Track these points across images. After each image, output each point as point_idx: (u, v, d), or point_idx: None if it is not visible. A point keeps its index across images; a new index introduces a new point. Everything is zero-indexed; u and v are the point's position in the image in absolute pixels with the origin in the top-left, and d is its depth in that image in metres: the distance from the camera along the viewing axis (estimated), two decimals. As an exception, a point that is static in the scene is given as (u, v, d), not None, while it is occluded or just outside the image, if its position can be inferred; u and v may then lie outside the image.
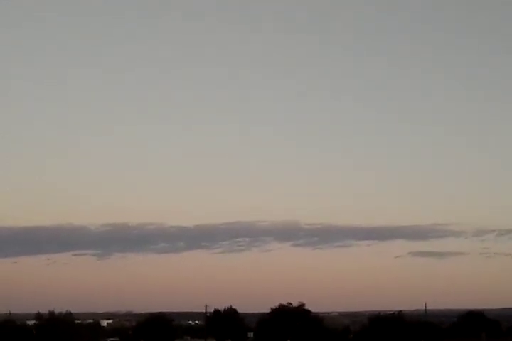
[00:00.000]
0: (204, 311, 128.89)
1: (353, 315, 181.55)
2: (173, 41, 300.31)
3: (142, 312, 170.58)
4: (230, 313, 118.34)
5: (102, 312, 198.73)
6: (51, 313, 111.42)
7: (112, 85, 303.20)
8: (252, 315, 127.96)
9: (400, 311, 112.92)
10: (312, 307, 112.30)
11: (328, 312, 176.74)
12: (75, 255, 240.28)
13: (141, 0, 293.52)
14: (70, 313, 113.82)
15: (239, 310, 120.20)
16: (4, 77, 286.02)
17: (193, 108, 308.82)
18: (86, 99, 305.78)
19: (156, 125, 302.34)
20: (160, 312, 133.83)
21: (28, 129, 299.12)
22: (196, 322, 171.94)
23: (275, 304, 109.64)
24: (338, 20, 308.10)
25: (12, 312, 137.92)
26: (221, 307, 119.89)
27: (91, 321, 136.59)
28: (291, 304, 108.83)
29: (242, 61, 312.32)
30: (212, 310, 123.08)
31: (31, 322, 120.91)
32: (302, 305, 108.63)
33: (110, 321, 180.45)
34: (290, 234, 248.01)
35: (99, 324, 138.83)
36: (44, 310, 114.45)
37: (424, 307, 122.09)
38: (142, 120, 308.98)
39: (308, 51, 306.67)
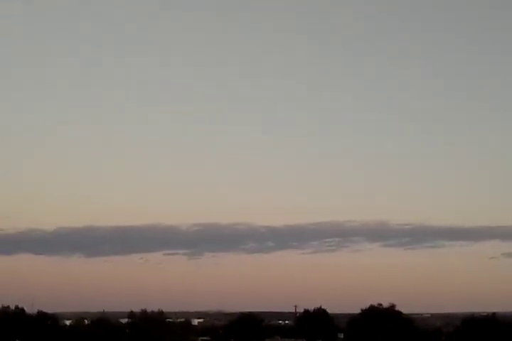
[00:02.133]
0: (294, 311, 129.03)
1: (446, 317, 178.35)
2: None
3: (233, 311, 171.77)
4: (320, 313, 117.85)
5: (193, 311, 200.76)
6: (143, 312, 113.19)
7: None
8: (342, 315, 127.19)
9: (494, 313, 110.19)
10: (403, 308, 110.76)
11: (420, 314, 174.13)
12: (166, 254, 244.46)
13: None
14: (162, 312, 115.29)
15: (329, 311, 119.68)
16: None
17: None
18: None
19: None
20: (250, 312, 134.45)
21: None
22: (286, 322, 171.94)
23: (365, 305, 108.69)
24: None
25: (106, 310, 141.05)
26: (311, 307, 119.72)
27: (182, 320, 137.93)
28: (381, 305, 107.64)
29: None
30: (302, 310, 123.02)
31: (124, 321, 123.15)
32: (393, 306, 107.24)
33: (201, 320, 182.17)
34: (380, 234, 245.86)
35: (190, 323, 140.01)
36: (137, 308, 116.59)
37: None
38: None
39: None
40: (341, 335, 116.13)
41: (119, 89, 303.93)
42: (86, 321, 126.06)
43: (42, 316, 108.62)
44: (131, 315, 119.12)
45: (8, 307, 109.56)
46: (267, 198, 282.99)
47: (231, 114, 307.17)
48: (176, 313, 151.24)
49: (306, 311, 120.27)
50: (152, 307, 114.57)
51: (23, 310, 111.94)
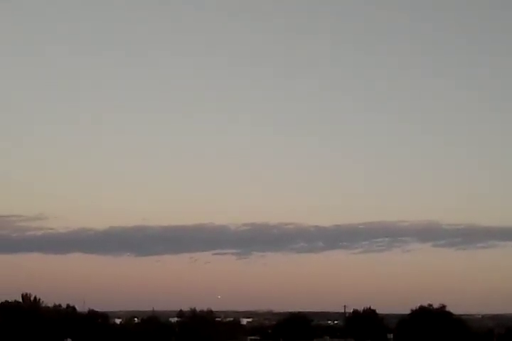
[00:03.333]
0: (343, 311, 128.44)
1: (497, 318, 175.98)
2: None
3: (282, 311, 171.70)
4: (370, 314, 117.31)
5: (242, 310, 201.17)
6: (193, 311, 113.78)
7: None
8: (392, 316, 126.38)
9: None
10: (454, 309, 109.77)
11: (471, 315, 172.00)
12: (215, 254, 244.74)
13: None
14: (211, 311, 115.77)
15: (378, 311, 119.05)
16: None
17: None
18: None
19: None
20: (299, 312, 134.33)
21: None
22: (335, 322, 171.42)
23: (415, 305, 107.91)
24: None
25: (155, 309, 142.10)
26: (360, 307, 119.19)
27: (231, 319, 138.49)
28: (431, 305, 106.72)
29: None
30: (351, 310, 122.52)
31: (174, 319, 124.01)
32: (443, 306, 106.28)
33: (250, 319, 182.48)
34: (431, 234, 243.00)
35: (239, 322, 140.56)
36: (186, 307, 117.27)
37: None
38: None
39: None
40: (391, 336, 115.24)
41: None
42: (136, 320, 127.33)
43: (93, 315, 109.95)
44: (180, 314, 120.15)
45: (59, 305, 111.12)
46: (316, 198, 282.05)
47: (271, 115, 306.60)
48: (225, 312, 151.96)
49: (356, 311, 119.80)
50: (201, 306, 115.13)
51: (74, 308, 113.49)
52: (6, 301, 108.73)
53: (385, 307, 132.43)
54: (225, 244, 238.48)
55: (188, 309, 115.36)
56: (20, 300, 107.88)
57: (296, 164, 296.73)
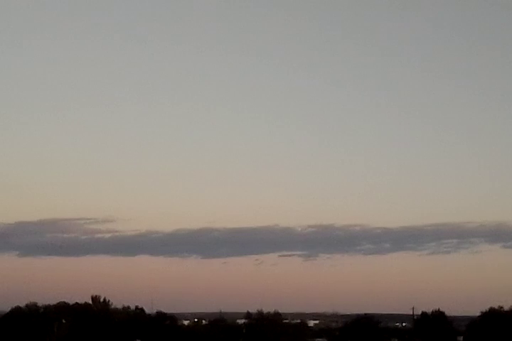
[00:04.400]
0: (411, 313, 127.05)
1: None
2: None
3: (349, 313, 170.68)
4: (438, 316, 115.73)
5: (308, 312, 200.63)
6: (260, 313, 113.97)
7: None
8: (461, 318, 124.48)
9: None
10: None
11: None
12: (281, 256, 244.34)
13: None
14: (278, 313, 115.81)
15: (447, 313, 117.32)
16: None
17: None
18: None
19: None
20: (366, 314, 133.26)
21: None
22: (404, 324, 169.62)
23: (485, 307, 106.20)
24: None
25: (223, 311, 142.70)
26: (428, 309, 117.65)
27: (298, 321, 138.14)
28: (502, 307, 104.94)
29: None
30: (419, 313, 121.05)
31: (241, 321, 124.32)
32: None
33: (317, 321, 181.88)
34: (500, 235, 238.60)
35: (306, 324, 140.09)
36: (253, 309, 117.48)
37: None
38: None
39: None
40: (460, 338, 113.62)
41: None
42: (204, 321, 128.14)
43: (161, 316, 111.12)
44: (247, 315, 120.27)
45: (128, 307, 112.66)
46: (382, 199, 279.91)
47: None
48: (291, 314, 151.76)
49: (424, 313, 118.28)
50: (268, 308, 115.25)
51: (142, 310, 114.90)
52: (77, 303, 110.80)
53: (454, 309, 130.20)
54: (291, 245, 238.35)
55: (255, 311, 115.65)
56: (90, 301, 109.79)
57: (362, 166, 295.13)
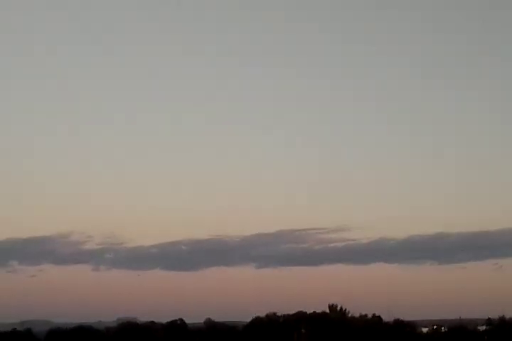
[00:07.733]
0: None
1: None
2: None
3: None
4: None
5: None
6: (501, 319, 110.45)
7: None
8: None
9: None
10: None
11: None
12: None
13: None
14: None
15: None
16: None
17: None
18: None
19: None
20: None
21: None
22: None
23: None
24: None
25: (462, 317, 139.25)
26: None
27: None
28: None
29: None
30: None
31: (482, 328, 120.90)
32: None
33: None
34: None
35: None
36: (494, 315, 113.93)
37: None
38: None
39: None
40: None
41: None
42: (443, 328, 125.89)
43: (399, 324, 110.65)
44: (488, 322, 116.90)
45: (365, 315, 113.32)
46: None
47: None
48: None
49: None
50: (511, 313, 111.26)
51: (380, 318, 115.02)
52: (314, 312, 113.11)
53: None
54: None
55: (497, 317, 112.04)
56: (328, 310, 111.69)
57: None
